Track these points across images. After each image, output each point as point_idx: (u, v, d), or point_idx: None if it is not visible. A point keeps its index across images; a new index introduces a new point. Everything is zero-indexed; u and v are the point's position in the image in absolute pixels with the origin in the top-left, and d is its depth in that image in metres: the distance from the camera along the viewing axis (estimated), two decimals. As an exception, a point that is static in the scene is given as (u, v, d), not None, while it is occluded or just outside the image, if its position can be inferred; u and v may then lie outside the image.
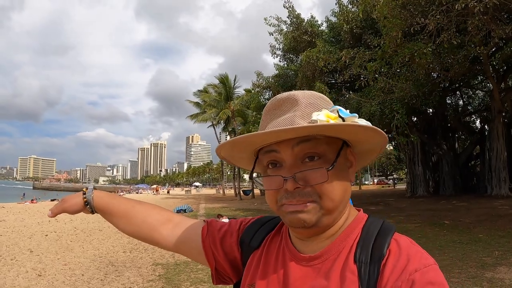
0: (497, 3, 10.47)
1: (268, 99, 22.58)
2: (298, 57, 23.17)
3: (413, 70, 14.59)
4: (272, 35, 23.45)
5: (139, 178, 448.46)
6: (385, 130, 25.90)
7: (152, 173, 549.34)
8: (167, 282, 7.15)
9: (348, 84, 21.75)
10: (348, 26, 18.45)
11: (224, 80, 40.79)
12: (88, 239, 12.60)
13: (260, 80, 24.54)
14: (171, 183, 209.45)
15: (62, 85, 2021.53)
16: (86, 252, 10.36)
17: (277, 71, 24.61)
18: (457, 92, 27.19)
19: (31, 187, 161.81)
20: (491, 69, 17.86)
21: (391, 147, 45.44)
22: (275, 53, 24.57)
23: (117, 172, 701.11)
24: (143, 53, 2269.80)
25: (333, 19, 21.98)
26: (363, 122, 0.81)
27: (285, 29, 22.93)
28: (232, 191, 55.49)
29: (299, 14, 21.98)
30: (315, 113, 0.82)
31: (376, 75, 15.43)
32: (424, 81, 15.54)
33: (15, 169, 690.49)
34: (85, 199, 1.21)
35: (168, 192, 79.68)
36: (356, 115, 0.82)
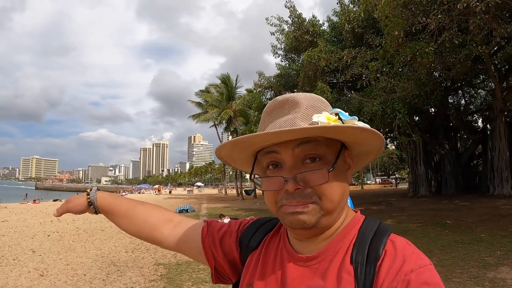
0: (499, 2, 10.46)
1: (270, 99, 22.57)
2: (300, 57, 23.13)
3: (414, 69, 14.56)
4: (274, 35, 23.43)
5: (141, 178, 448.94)
6: (387, 129, 25.91)
7: (154, 173, 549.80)
8: (169, 282, 7.16)
9: (350, 84, 21.72)
10: (349, 26, 18.43)
11: (225, 80, 40.80)
12: (90, 239, 12.63)
13: (262, 80, 24.53)
14: (173, 183, 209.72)
15: (63, 86, 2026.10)
16: (88, 252, 10.38)
17: (279, 71, 24.60)
18: (459, 92, 27.13)
19: (34, 188, 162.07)
20: (493, 68, 17.82)
21: (393, 147, 45.35)
22: (276, 53, 24.53)
23: (119, 172, 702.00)
24: (144, 54, 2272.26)
25: (335, 18, 21.96)
26: (361, 124, 0.82)
27: (287, 29, 22.91)
28: (234, 191, 55.56)
29: (300, 14, 21.96)
30: (315, 115, 0.83)
31: (378, 75, 15.42)
32: (426, 81, 15.51)
33: (17, 169, 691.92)
34: (88, 200, 1.25)
35: (170, 192, 79.70)
36: (356, 117, 0.84)
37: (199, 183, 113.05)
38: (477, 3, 10.49)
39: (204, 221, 1.18)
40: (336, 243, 0.88)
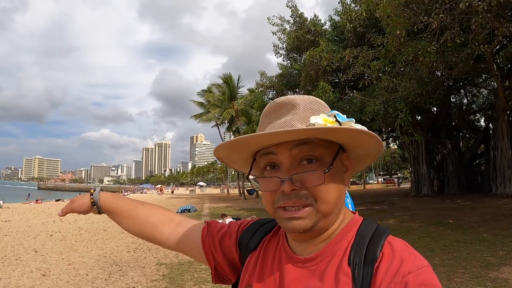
0: (501, 0, 10.43)
1: (272, 99, 22.58)
2: (302, 57, 23.16)
3: (416, 68, 14.56)
4: (275, 34, 23.44)
5: (143, 178, 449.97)
6: (389, 129, 25.94)
7: (156, 173, 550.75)
8: (171, 281, 7.17)
9: (352, 83, 21.72)
10: (351, 25, 18.42)
11: (227, 79, 40.81)
12: (93, 239, 12.65)
13: (264, 80, 24.53)
14: (176, 183, 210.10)
15: (66, 86, 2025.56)
16: (90, 252, 10.41)
17: (281, 71, 24.61)
18: (461, 91, 27.07)
19: (36, 188, 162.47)
20: (495, 67, 17.79)
21: (395, 146, 45.28)
22: (278, 52, 24.52)
23: (121, 172, 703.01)
24: (146, 54, 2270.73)
25: (336, 18, 21.93)
26: (359, 127, 0.82)
27: (288, 29, 22.92)
28: (236, 191, 55.56)
29: (302, 14, 21.97)
30: (313, 117, 0.83)
31: (380, 74, 15.41)
32: (428, 80, 15.49)
33: (20, 169, 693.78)
34: (92, 200, 1.28)
35: (172, 192, 79.92)
36: (353, 120, 0.84)
37: (201, 183, 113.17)
38: (479, 2, 10.47)
39: (205, 221, 1.19)
40: (334, 244, 0.88)
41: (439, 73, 17.46)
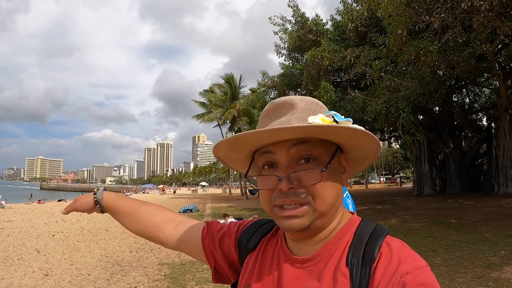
0: (503, -1, 10.42)
1: (273, 98, 22.41)
2: (303, 56, 23.11)
3: (418, 68, 14.52)
4: (277, 34, 23.40)
5: (145, 178, 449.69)
6: (391, 128, 25.90)
7: (158, 173, 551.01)
8: (173, 281, 7.18)
9: (354, 83, 21.69)
10: (353, 25, 18.37)
11: (229, 79, 40.81)
12: (95, 239, 12.68)
13: (266, 80, 24.51)
14: (178, 183, 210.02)
15: (68, 87, 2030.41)
16: (92, 252, 10.43)
17: (283, 70, 24.57)
18: (463, 90, 26.99)
19: (38, 188, 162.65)
20: (497, 66, 17.72)
21: (398, 146, 45.21)
22: (280, 52, 24.49)
23: (124, 172, 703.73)
24: (148, 54, 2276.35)
25: (338, 17, 21.89)
26: (356, 127, 0.82)
27: (290, 28, 22.88)
28: (239, 191, 55.55)
29: (303, 13, 21.94)
30: (311, 117, 0.84)
31: (382, 74, 15.39)
32: (429, 79, 15.45)
33: (22, 170, 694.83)
34: (95, 199, 1.31)
35: (174, 192, 79.89)
36: (351, 119, 0.84)
37: (203, 183, 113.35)
38: (481, 2, 10.44)
39: (205, 221, 1.20)
40: (332, 245, 0.88)
41: (441, 73, 17.42)
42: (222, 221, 1.24)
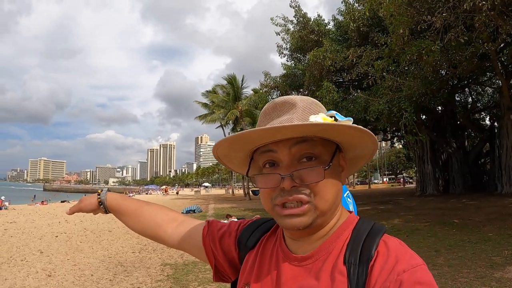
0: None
1: (275, 99, 22.57)
2: (306, 57, 23.11)
3: (421, 67, 14.50)
4: (279, 34, 23.44)
5: (148, 179, 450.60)
6: (393, 128, 25.85)
7: (161, 174, 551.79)
8: (175, 282, 7.19)
9: (356, 83, 21.67)
10: (354, 25, 18.37)
11: (232, 80, 40.80)
12: (98, 240, 12.70)
13: (268, 80, 24.54)
14: (181, 183, 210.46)
15: (70, 88, 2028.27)
16: (95, 253, 10.45)
17: (285, 71, 24.57)
18: (466, 89, 26.93)
19: (42, 189, 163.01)
20: (499, 65, 17.67)
21: (400, 146, 45.10)
22: (282, 52, 24.52)
23: (126, 173, 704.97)
24: (150, 55, 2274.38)
25: (340, 17, 21.91)
26: (358, 126, 0.83)
27: (292, 29, 22.91)
28: (241, 191, 55.56)
29: (305, 14, 21.95)
30: (312, 116, 0.85)
31: (384, 73, 15.39)
32: (432, 79, 15.43)
33: (25, 171, 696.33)
34: (99, 200, 1.34)
35: (177, 193, 79.91)
36: (351, 119, 0.86)
37: (206, 184, 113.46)
38: (484, 2, 10.43)
39: (206, 221, 1.21)
40: (330, 243, 0.89)
41: (443, 72, 17.38)
42: (225, 222, 1.25)
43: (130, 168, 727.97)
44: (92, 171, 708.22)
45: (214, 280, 1.18)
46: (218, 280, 1.16)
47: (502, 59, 17.69)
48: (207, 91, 44.85)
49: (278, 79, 24.23)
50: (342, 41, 20.22)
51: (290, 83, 23.39)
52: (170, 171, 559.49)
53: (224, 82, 42.25)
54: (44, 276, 7.86)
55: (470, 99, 28.54)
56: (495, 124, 24.77)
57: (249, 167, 0.96)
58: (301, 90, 22.74)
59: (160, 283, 7.18)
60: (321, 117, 0.83)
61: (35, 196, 58.65)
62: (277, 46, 24.24)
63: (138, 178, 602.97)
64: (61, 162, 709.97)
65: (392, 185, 65.72)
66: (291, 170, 0.83)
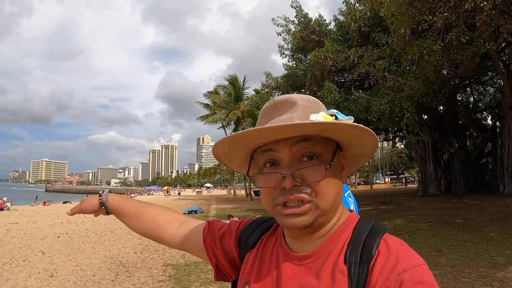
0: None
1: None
2: (307, 57, 23.11)
3: (422, 67, 14.49)
4: (280, 35, 23.43)
5: (150, 180, 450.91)
6: (395, 128, 25.83)
7: (163, 174, 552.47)
8: (177, 282, 7.20)
9: (357, 83, 21.67)
10: (356, 25, 18.37)
11: (233, 81, 40.84)
12: (100, 241, 12.71)
13: (269, 81, 24.57)
14: (182, 184, 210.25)
15: (72, 89, 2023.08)
16: (97, 253, 10.46)
17: (286, 71, 24.61)
18: (468, 89, 26.90)
19: (44, 190, 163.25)
20: (501, 64, 17.64)
21: (402, 146, 45.06)
22: (283, 53, 24.52)
23: (128, 174, 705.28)
24: (152, 56, 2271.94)
25: (341, 18, 21.89)
26: (358, 124, 0.83)
27: (293, 29, 22.91)
28: (243, 192, 55.54)
29: (306, 14, 21.95)
30: (313, 114, 0.84)
31: (385, 73, 15.37)
32: (433, 79, 15.40)
33: (27, 172, 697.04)
34: (100, 201, 1.35)
35: (179, 193, 79.99)
36: (352, 117, 0.86)
37: (208, 184, 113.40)
38: (485, 2, 10.41)
39: (207, 221, 1.22)
40: (330, 242, 0.89)
41: (444, 72, 17.35)
42: (229, 222, 1.26)
43: (132, 169, 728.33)
44: (94, 172, 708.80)
45: (215, 279, 1.18)
46: (219, 279, 1.17)
47: (504, 58, 17.61)
48: (208, 91, 44.93)
49: (279, 79, 24.26)
50: (344, 41, 20.22)
51: (292, 83, 23.40)
52: (172, 172, 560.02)
53: (226, 83, 42.35)
54: (46, 277, 7.87)
55: (471, 99, 28.52)
56: (497, 123, 24.73)
57: (249, 166, 0.96)
58: (303, 90, 22.73)
59: (162, 284, 7.18)
60: (322, 115, 0.83)
61: (37, 197, 58.73)
62: (279, 47, 24.26)
63: (140, 179, 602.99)
64: (63, 163, 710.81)
65: (394, 185, 65.60)
66: (292, 169, 0.83)
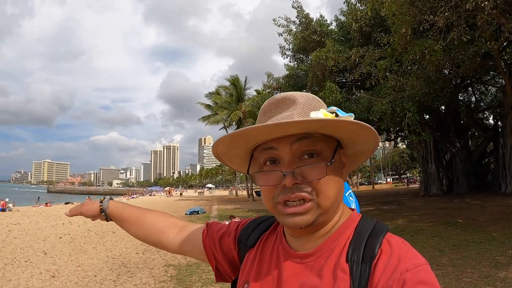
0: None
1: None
2: (308, 57, 23.13)
3: (423, 67, 14.48)
4: (282, 35, 23.44)
5: (152, 181, 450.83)
6: (397, 128, 25.80)
7: (165, 175, 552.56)
8: (179, 283, 7.20)
9: (359, 83, 21.66)
10: (357, 25, 18.36)
11: (235, 81, 40.90)
12: (101, 241, 12.73)
13: (271, 81, 24.59)
14: (184, 185, 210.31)
15: (74, 90, 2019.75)
16: (99, 254, 10.47)
17: (288, 72, 24.62)
18: (469, 89, 26.84)
19: (46, 191, 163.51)
20: (502, 64, 17.61)
21: (404, 146, 45.02)
22: (285, 53, 24.52)
23: (130, 175, 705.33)
24: (153, 57, 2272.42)
25: (342, 18, 21.90)
26: (359, 121, 0.83)
27: (294, 30, 22.91)
28: (245, 192, 55.54)
29: (308, 14, 21.95)
30: (313, 112, 0.84)
31: (387, 73, 15.35)
32: (435, 78, 15.39)
33: (29, 173, 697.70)
34: (101, 207, 1.36)
35: (181, 194, 79.99)
36: (353, 115, 0.86)
37: (210, 185, 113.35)
38: (486, 2, 10.40)
39: (206, 223, 1.22)
40: (332, 241, 0.88)
41: (446, 71, 17.35)
42: (226, 223, 1.26)
43: (133, 170, 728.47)
44: (96, 173, 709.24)
45: (216, 281, 1.18)
46: (220, 280, 1.17)
47: (505, 57, 17.61)
48: (210, 92, 45.05)
49: (281, 80, 24.28)
50: (345, 41, 20.22)
51: (293, 83, 23.41)
52: (173, 173, 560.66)
53: (227, 84, 42.41)
54: (48, 277, 7.88)
55: (473, 98, 28.46)
56: (499, 123, 24.66)
57: (249, 165, 0.96)
58: (304, 90, 22.64)
59: (164, 284, 7.19)
60: (322, 113, 0.83)
61: (39, 197, 58.74)
62: (280, 47, 24.26)
63: (141, 179, 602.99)
64: (65, 164, 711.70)
65: (396, 185, 65.50)
66: (293, 167, 0.82)
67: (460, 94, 26.51)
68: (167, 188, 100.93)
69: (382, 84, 15.76)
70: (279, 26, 22.88)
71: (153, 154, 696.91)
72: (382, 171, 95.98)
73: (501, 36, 13.18)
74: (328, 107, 0.91)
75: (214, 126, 44.86)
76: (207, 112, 45.02)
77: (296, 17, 22.26)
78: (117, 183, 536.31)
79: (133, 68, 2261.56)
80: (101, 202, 1.36)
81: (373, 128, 0.83)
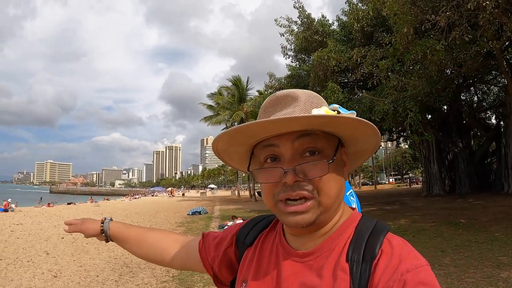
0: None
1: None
2: (310, 57, 23.13)
3: (425, 67, 14.45)
4: (283, 36, 23.46)
5: (154, 181, 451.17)
6: (399, 128, 25.75)
7: (167, 176, 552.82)
8: (181, 283, 7.20)
9: (361, 83, 21.65)
10: (358, 25, 18.35)
11: (237, 82, 40.92)
12: (103, 242, 12.71)
13: (273, 81, 24.57)
14: (186, 185, 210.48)
15: (76, 91, 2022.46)
16: (101, 254, 10.47)
17: (289, 72, 24.61)
18: (471, 88, 26.82)
19: (48, 191, 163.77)
20: (505, 63, 17.56)
21: (406, 146, 44.93)
22: (286, 53, 24.51)
23: (132, 175, 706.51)
24: (155, 58, 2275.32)
25: (344, 18, 21.90)
26: (361, 118, 0.82)
27: (296, 30, 22.91)
28: (247, 193, 55.55)
29: (309, 14, 21.95)
30: (315, 109, 0.84)
31: (388, 73, 15.35)
32: (437, 78, 15.37)
33: (32, 174, 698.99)
34: (102, 228, 1.36)
35: (183, 194, 79.97)
36: (354, 112, 0.85)
37: (212, 185, 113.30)
38: (487, 2, 10.37)
39: (202, 233, 1.24)
40: (332, 240, 0.88)
41: (448, 71, 17.30)
42: (230, 223, 1.27)
43: (136, 170, 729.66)
44: (98, 173, 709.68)
45: (217, 287, 1.19)
46: (220, 286, 1.18)
47: (507, 57, 17.59)
48: (212, 93, 45.04)
49: (282, 80, 24.25)
50: (347, 41, 20.21)
51: (295, 84, 23.38)
52: (176, 173, 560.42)
53: (229, 84, 42.42)
54: (50, 277, 7.89)
55: (475, 98, 28.41)
56: (501, 123, 24.63)
57: (249, 162, 0.95)
58: (306, 90, 22.71)
59: (166, 284, 7.19)
60: (324, 110, 0.82)
61: (41, 198, 58.90)
62: (282, 47, 24.25)
63: (144, 180, 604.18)
64: (67, 164, 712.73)
65: (398, 186, 65.38)
66: (294, 164, 0.82)
67: (462, 93, 26.47)
68: (169, 189, 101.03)
69: (384, 84, 15.75)
70: (280, 26, 22.90)
71: (155, 154, 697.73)
72: (384, 171, 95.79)
73: (503, 36, 13.16)
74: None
75: (216, 126, 44.92)
76: (209, 113, 45.06)
77: (297, 17, 22.28)
78: (119, 184, 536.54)
79: (135, 69, 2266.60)
80: (102, 223, 1.37)
81: (374, 125, 0.83)
